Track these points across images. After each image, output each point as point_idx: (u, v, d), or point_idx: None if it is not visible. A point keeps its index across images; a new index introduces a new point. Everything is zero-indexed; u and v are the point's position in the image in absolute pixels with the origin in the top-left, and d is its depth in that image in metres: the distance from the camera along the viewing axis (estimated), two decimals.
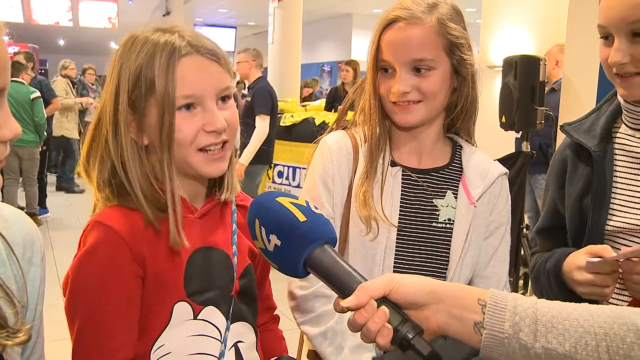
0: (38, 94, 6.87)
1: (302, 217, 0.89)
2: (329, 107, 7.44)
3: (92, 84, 10.04)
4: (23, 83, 6.81)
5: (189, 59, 1.12)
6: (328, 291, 1.39)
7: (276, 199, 0.92)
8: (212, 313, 1.19)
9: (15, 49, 10.65)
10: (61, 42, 23.47)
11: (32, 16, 13.32)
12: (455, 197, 1.44)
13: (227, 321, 1.21)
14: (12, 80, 5.15)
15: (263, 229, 0.90)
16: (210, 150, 1.16)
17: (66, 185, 9.59)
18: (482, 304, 0.86)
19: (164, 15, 15.76)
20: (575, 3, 3.87)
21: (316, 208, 0.94)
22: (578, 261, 1.37)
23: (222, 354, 1.19)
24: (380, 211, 1.39)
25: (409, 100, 1.37)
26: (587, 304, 0.87)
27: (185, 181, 1.20)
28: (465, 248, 1.41)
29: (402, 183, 1.43)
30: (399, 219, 1.41)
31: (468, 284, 1.46)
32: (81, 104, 9.54)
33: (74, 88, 9.35)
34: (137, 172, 1.14)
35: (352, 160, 1.44)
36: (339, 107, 6.86)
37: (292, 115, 6.46)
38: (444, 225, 1.43)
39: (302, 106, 7.77)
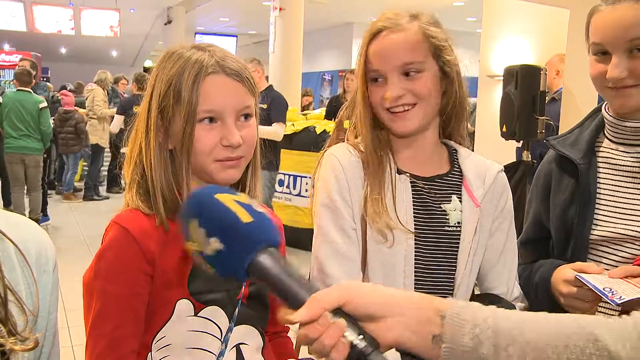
0: (45, 103, 7.00)
1: (247, 218, 0.80)
2: (330, 116, 7.44)
3: (124, 93, 10.06)
4: (30, 92, 6.90)
5: (214, 77, 1.22)
6: None
7: (216, 196, 0.83)
8: (214, 312, 1.24)
9: (18, 57, 10.69)
10: (63, 50, 23.54)
11: (35, 25, 13.36)
12: (460, 201, 1.46)
13: (230, 322, 1.26)
14: (20, 89, 5.19)
15: (202, 230, 0.80)
16: (225, 160, 1.23)
17: (90, 193, 9.73)
18: (441, 314, 0.80)
19: (165, 24, 15.79)
20: (576, 14, 3.88)
21: (258, 207, 0.85)
22: (565, 274, 1.41)
23: (221, 353, 1.24)
24: (395, 218, 1.39)
25: (404, 104, 1.39)
26: (546, 313, 0.84)
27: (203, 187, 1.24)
28: (473, 248, 1.44)
29: (412, 190, 1.44)
30: (414, 225, 1.42)
31: (479, 282, 1.51)
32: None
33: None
34: (160, 174, 1.24)
35: (362, 171, 1.44)
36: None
37: (292, 124, 6.47)
38: (455, 229, 1.45)
39: (303, 115, 7.78)
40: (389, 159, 1.45)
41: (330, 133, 5.55)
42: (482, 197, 1.46)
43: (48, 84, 10.73)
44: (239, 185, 1.32)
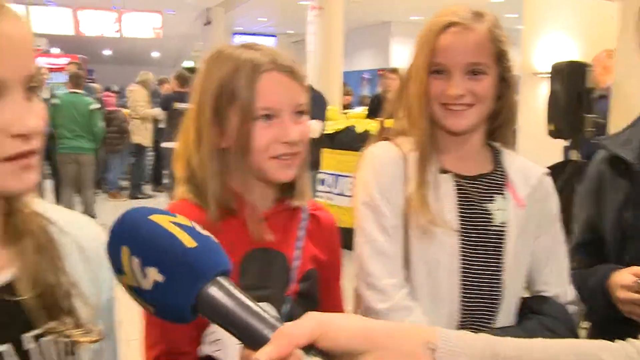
0: (97, 105, 7.18)
1: (190, 242, 0.65)
2: (373, 114, 7.42)
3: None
4: (82, 94, 7.08)
5: (269, 74, 1.21)
6: (410, 303, 1.40)
7: (150, 217, 0.68)
8: (266, 307, 1.22)
9: (66, 60, 10.95)
10: (107, 53, 24.00)
11: (80, 28, 13.68)
12: (504, 200, 1.44)
13: (278, 317, 1.24)
14: (73, 91, 5.31)
15: (136, 260, 0.65)
16: (282, 157, 1.23)
17: (135, 191, 9.86)
18: (431, 347, 0.68)
19: (204, 25, 15.98)
20: (628, 5, 3.76)
21: (200, 228, 0.71)
22: (623, 279, 1.38)
23: None
24: (439, 217, 1.38)
25: (462, 104, 1.38)
26: (544, 339, 0.75)
27: (256, 185, 1.27)
28: (519, 249, 1.42)
29: (456, 189, 1.43)
30: (459, 223, 1.41)
31: (530, 285, 1.47)
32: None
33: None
34: (212, 172, 1.24)
35: (403, 170, 1.43)
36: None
37: (334, 123, 6.47)
38: (500, 228, 1.42)
39: (344, 114, 7.77)
40: (434, 157, 1.44)
41: (371, 132, 5.54)
42: (526, 197, 1.44)
43: (95, 85, 10.92)
44: (290, 185, 1.31)
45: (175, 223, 0.67)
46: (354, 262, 1.44)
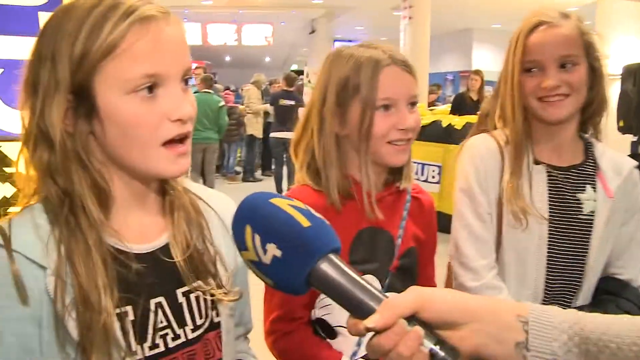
0: (223, 102, 7.52)
1: (305, 222, 0.65)
2: (455, 111, 7.27)
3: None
4: (212, 93, 7.43)
5: (389, 68, 1.19)
6: (499, 283, 1.37)
7: (270, 200, 0.67)
8: (370, 280, 1.22)
9: (194, 65, 11.39)
10: (227, 59, 24.70)
11: (207, 39, 14.18)
12: (594, 191, 1.37)
13: (381, 289, 1.24)
14: (205, 91, 5.48)
15: (257, 237, 0.65)
16: (396, 143, 1.21)
17: (247, 175, 9.95)
18: (522, 320, 0.65)
19: (309, 33, 16.13)
20: None
21: (315, 211, 0.69)
22: None
23: None
24: (530, 205, 1.34)
25: (558, 94, 1.31)
26: (632, 316, 0.69)
27: (371, 169, 1.25)
28: (606, 236, 1.35)
29: (548, 179, 1.37)
30: (549, 212, 1.35)
31: (606, 267, 1.40)
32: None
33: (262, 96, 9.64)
34: (332, 158, 1.23)
35: (499, 161, 1.39)
36: (470, 112, 6.71)
37: (422, 118, 6.40)
38: (588, 217, 1.36)
39: (430, 110, 7.66)
40: (529, 149, 1.38)
41: (454, 127, 5.43)
42: (616, 188, 1.36)
43: (218, 85, 11.29)
44: (398, 170, 1.29)
45: (292, 206, 0.67)
46: (449, 243, 1.42)
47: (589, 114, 1.41)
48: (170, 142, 0.82)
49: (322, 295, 1.20)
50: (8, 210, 1.98)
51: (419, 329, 0.60)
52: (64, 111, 0.78)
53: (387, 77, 1.18)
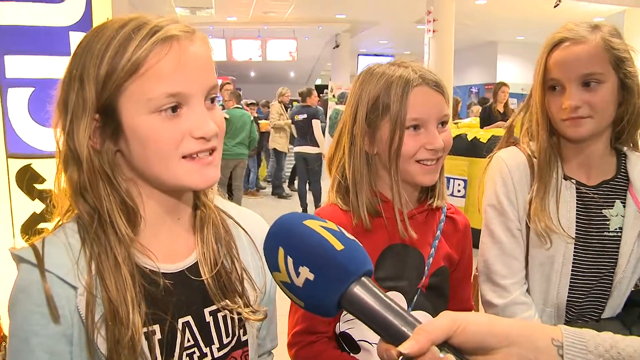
0: (251, 117, 7.57)
1: (338, 245, 0.64)
2: (483, 123, 7.21)
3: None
4: (240, 108, 7.50)
5: (419, 88, 1.18)
6: (527, 299, 1.34)
7: (304, 222, 0.67)
8: (395, 297, 1.21)
9: (219, 81, 11.49)
10: (252, 74, 24.93)
11: (232, 55, 14.35)
12: (624, 206, 1.33)
13: (408, 307, 1.22)
14: (235, 107, 5.49)
15: (290, 259, 0.64)
16: (425, 163, 1.20)
17: (277, 190, 9.87)
18: (557, 344, 0.64)
19: (333, 48, 16.20)
20: None
21: (348, 233, 0.69)
22: None
23: None
24: (557, 224, 1.30)
25: (580, 116, 1.27)
26: None
27: (402, 187, 1.24)
28: (635, 253, 1.31)
29: (577, 196, 1.34)
30: (575, 230, 1.32)
31: (634, 289, 1.36)
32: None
33: (286, 111, 9.50)
34: (362, 176, 1.23)
35: (529, 175, 1.36)
36: (497, 123, 6.64)
37: None
38: (615, 234, 1.32)
39: (454, 123, 7.60)
40: (557, 165, 1.35)
41: (480, 140, 5.33)
42: None
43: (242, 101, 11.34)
44: (431, 188, 1.28)
45: (325, 228, 0.66)
46: (477, 258, 1.39)
47: (621, 128, 1.36)
48: (192, 155, 0.82)
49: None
50: (38, 226, 2.02)
51: (451, 358, 0.59)
52: (91, 130, 0.80)
53: (417, 97, 1.17)
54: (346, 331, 1.23)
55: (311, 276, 0.63)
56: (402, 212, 1.21)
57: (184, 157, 0.81)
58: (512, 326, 0.65)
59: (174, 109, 0.79)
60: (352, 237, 0.67)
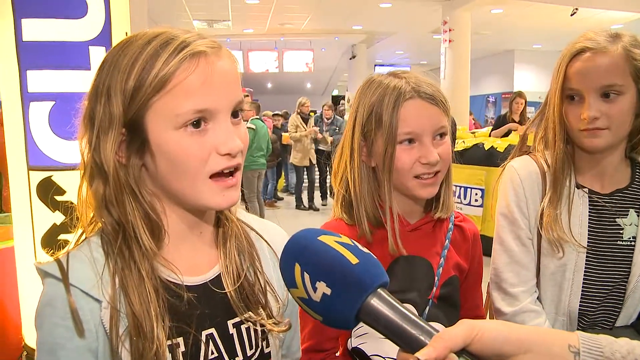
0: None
1: (354, 259, 0.64)
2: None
3: (328, 119, 9.43)
4: (261, 120, 7.61)
5: (411, 102, 1.15)
6: (536, 307, 1.33)
7: (319, 238, 0.67)
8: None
9: None
10: (269, 85, 25.09)
11: (249, 67, 14.47)
12: (638, 215, 1.31)
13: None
14: (255, 118, 5.51)
15: (307, 275, 0.65)
16: (422, 177, 1.17)
17: (298, 203, 9.57)
18: (573, 350, 0.64)
19: (350, 59, 16.25)
20: None
21: (361, 246, 0.69)
22: None
23: None
24: (569, 233, 1.29)
25: (597, 128, 1.25)
26: None
27: (403, 200, 1.23)
28: None
29: (589, 205, 1.32)
30: (587, 240, 1.30)
31: None
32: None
33: (306, 123, 9.28)
34: (363, 188, 1.21)
35: (541, 184, 1.35)
36: (511, 132, 6.60)
37: (463, 141, 6.33)
38: (628, 243, 1.30)
39: (471, 133, 7.57)
40: (571, 174, 1.34)
41: (497, 149, 5.27)
42: None
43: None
44: (437, 198, 1.26)
45: (339, 242, 0.66)
46: (489, 267, 1.39)
47: (639, 140, 1.34)
48: (218, 175, 0.82)
49: (360, 324, 1.19)
50: (59, 237, 2.05)
51: None
52: (118, 145, 0.80)
53: (409, 111, 1.15)
54: (358, 347, 1.22)
55: (328, 291, 0.63)
56: (394, 227, 1.19)
57: (211, 176, 0.81)
58: (529, 333, 0.65)
59: (197, 123, 0.79)
60: (366, 250, 0.67)
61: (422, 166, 1.16)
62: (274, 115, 10.52)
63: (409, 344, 0.61)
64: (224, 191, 0.83)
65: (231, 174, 0.84)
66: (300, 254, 0.67)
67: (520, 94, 7.00)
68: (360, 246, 0.67)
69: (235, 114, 0.84)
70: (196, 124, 0.79)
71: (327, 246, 0.66)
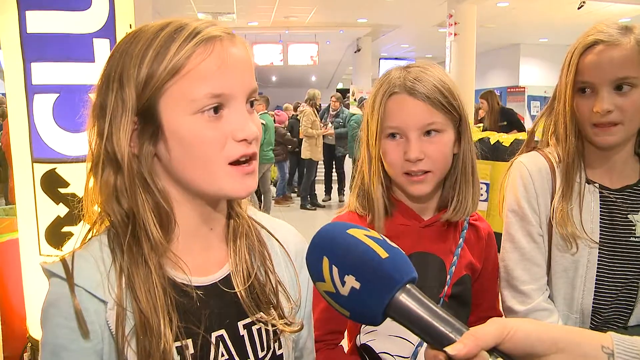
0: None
1: (383, 254, 0.63)
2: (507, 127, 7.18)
3: (334, 111, 9.25)
4: (267, 114, 7.69)
5: (397, 97, 1.16)
6: (549, 305, 1.32)
7: (348, 231, 0.66)
8: None
9: None
10: (274, 78, 25.05)
11: (254, 59, 14.41)
12: None
13: None
14: (264, 113, 5.53)
15: (335, 269, 0.64)
16: (410, 174, 1.17)
17: (303, 202, 9.18)
18: (607, 352, 0.63)
19: (355, 52, 16.20)
20: None
21: (391, 241, 0.68)
22: None
23: (420, 343, 1.18)
24: (580, 229, 1.28)
25: (610, 122, 1.24)
26: None
27: (410, 195, 1.22)
28: None
29: (600, 201, 1.31)
30: (600, 235, 1.29)
31: None
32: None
33: (321, 118, 9.09)
34: (373, 179, 1.21)
35: (550, 180, 1.33)
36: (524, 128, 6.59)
37: None
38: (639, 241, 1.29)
39: (477, 127, 7.54)
40: (581, 169, 1.32)
41: (502, 143, 5.23)
42: None
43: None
44: (450, 198, 1.23)
45: (369, 236, 0.65)
46: (500, 264, 1.37)
47: None
48: (236, 163, 0.80)
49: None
50: (62, 229, 2.06)
51: None
52: (130, 133, 0.78)
53: (395, 105, 1.15)
54: (367, 343, 1.22)
55: (357, 285, 0.62)
56: (416, 219, 1.20)
57: (229, 164, 0.80)
58: (561, 332, 0.64)
59: (216, 109, 0.78)
60: (395, 245, 0.66)
61: (407, 163, 1.15)
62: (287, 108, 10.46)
63: (438, 341, 0.60)
64: (242, 178, 0.81)
65: (247, 161, 0.82)
66: (329, 247, 0.66)
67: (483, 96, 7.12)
68: (389, 241, 0.66)
69: (250, 103, 0.83)
70: (215, 109, 0.78)
71: (357, 240, 0.65)
